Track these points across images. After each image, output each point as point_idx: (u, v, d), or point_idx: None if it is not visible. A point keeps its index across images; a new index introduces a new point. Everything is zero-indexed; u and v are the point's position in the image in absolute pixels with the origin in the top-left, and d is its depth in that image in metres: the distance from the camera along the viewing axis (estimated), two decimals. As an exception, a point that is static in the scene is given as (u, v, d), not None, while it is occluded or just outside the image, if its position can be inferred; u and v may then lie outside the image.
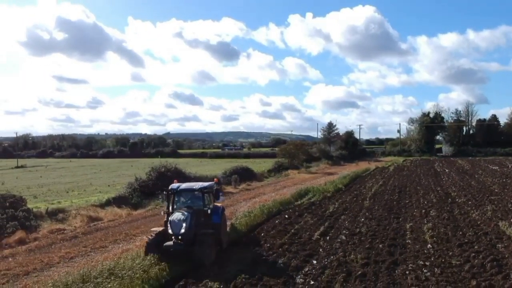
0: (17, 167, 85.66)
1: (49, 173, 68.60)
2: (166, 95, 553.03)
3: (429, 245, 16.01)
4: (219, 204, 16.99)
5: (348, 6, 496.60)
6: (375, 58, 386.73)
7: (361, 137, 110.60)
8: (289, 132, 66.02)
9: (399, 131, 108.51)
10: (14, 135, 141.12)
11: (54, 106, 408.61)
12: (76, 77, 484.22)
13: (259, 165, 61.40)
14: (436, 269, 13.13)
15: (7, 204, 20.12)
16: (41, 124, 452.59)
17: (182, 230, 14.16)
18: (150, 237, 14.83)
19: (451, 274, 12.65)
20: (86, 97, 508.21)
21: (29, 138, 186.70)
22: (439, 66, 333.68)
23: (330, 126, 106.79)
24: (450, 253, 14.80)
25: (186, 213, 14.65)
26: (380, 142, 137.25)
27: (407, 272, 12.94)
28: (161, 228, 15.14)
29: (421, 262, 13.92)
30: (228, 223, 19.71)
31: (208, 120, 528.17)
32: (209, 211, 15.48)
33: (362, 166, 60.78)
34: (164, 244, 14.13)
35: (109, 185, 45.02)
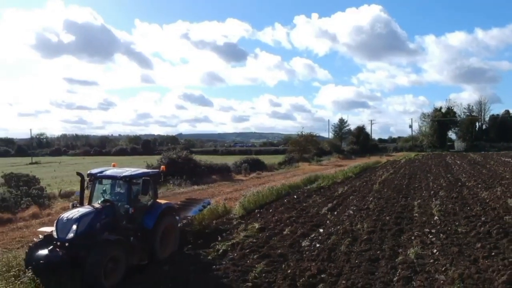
0: (31, 163, 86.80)
1: (63, 168, 69.50)
2: (176, 97, 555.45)
3: (436, 217, 16.12)
4: (162, 201, 12.70)
5: (353, 6, 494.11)
6: (383, 58, 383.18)
7: (373, 136, 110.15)
8: (300, 132, 65.74)
9: (410, 127, 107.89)
10: (28, 136, 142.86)
11: (66, 107, 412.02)
12: (86, 79, 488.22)
13: (270, 160, 61.61)
14: (441, 235, 13.25)
15: (21, 182, 20.62)
16: (55, 126, 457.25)
17: (70, 235, 9.88)
18: (35, 240, 10.56)
19: (456, 239, 12.75)
20: (97, 99, 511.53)
21: (43, 138, 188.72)
22: (448, 65, 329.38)
23: (342, 122, 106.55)
24: (457, 223, 14.89)
25: (85, 210, 10.54)
26: (393, 140, 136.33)
27: (413, 238, 13.11)
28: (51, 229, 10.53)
29: (427, 230, 14.07)
30: (236, 203, 19.97)
31: (219, 121, 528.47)
32: (131, 210, 11.03)
33: (373, 159, 60.57)
34: (36, 254, 9.80)
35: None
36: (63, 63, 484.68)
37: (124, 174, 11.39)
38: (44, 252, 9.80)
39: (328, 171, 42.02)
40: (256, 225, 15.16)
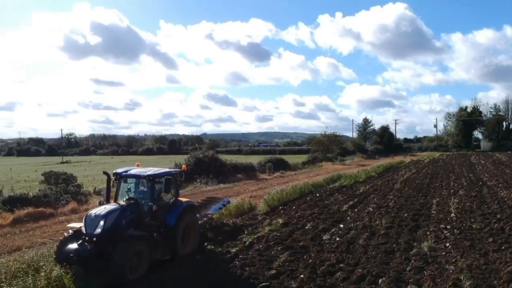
0: (62, 162, 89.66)
1: (93, 167, 71.74)
2: (200, 97, 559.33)
3: (452, 214, 16.81)
4: (184, 200, 13.20)
5: (378, 4, 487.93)
6: (409, 57, 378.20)
7: (399, 136, 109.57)
8: (324, 132, 66.50)
9: (435, 126, 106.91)
10: (57, 136, 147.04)
11: (93, 108, 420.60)
12: (112, 79, 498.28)
13: (294, 159, 62.43)
14: (455, 231, 14.01)
15: (60, 180, 22.14)
16: (82, 126, 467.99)
17: (98, 230, 10.52)
18: (65, 235, 11.14)
19: (469, 234, 13.49)
20: (123, 99, 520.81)
21: (71, 138, 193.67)
22: (475, 63, 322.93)
23: (366, 122, 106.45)
24: (472, 220, 15.56)
25: (112, 207, 11.17)
26: (419, 140, 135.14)
27: (428, 233, 13.88)
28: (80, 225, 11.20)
29: (443, 226, 14.82)
30: (261, 200, 20.96)
31: (243, 121, 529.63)
32: (154, 207, 11.67)
33: (397, 159, 60.75)
34: (66, 248, 10.56)
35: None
36: (90, 64, 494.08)
37: (147, 173, 11.92)
38: (73, 246, 10.48)
39: (351, 170, 42.60)
40: (280, 221, 16.14)
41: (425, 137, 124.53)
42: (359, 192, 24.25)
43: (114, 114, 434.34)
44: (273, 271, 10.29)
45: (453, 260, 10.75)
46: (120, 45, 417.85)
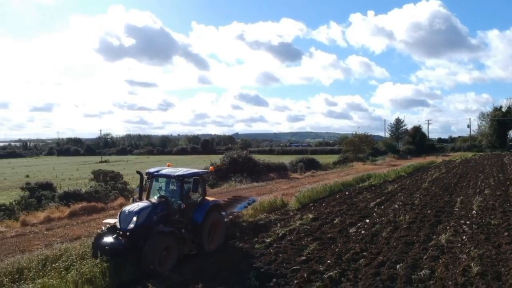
0: (101, 162, 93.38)
1: (131, 166, 74.68)
2: (232, 97, 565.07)
3: (474, 211, 17.78)
4: (210, 199, 14.07)
5: (411, 2, 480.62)
6: (443, 55, 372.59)
7: (433, 136, 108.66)
8: (355, 132, 67.40)
9: (469, 126, 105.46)
10: (93, 136, 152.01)
11: (127, 108, 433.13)
12: (146, 80, 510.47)
13: (325, 159, 63.43)
14: (474, 226, 15.05)
15: (108, 178, 24.21)
16: (118, 126, 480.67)
17: (131, 225, 11.43)
18: (100, 231, 12.13)
19: (487, 229, 14.53)
20: (157, 100, 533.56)
21: (108, 138, 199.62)
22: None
23: (398, 122, 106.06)
24: (492, 217, 16.54)
25: (144, 204, 12.05)
26: (453, 140, 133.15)
27: (448, 228, 14.97)
28: (115, 221, 12.20)
29: (462, 221, 15.85)
30: (292, 198, 22.36)
31: (274, 121, 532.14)
32: (183, 205, 12.49)
33: (428, 159, 60.91)
34: (102, 241, 11.44)
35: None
36: (125, 65, 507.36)
37: (177, 173, 12.84)
38: (109, 239, 11.34)
39: (381, 170, 43.36)
40: (310, 216, 17.54)
41: (459, 137, 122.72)
42: (387, 191, 25.32)
43: (148, 114, 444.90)
44: (303, 257, 11.71)
45: (467, 251, 11.90)
46: (154, 47, 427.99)
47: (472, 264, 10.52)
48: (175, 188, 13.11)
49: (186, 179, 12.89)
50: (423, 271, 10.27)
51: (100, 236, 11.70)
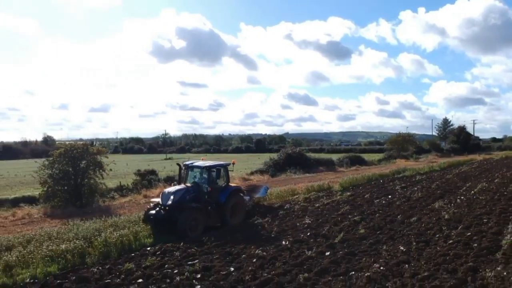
0: (166, 159, 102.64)
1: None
2: (281, 97, 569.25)
3: (472, 191, 23.60)
4: (233, 185, 18.28)
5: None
6: (500, 51, 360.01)
7: (488, 136, 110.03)
8: (400, 131, 72.31)
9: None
10: (148, 136, 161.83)
11: (180, 109, 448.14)
12: (197, 81, 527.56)
13: (371, 157, 68.47)
14: (464, 199, 21.05)
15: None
16: (171, 126, 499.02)
17: (169, 202, 15.17)
18: (148, 206, 16.41)
19: (473, 202, 20.46)
20: (207, 100, 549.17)
21: (167, 137, 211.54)
22: None
23: (445, 122, 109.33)
24: (483, 195, 22.39)
25: (180, 187, 16.02)
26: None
27: (445, 200, 21.07)
28: (159, 199, 16.19)
29: (459, 197, 21.85)
30: (337, 184, 28.95)
31: (324, 120, 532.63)
32: (208, 189, 16.30)
33: (469, 157, 64.38)
34: (149, 213, 15.49)
35: (245, 168, 56.51)
36: (176, 67, 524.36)
37: (206, 165, 16.92)
38: (153, 212, 15.46)
39: (419, 165, 48.56)
40: (348, 193, 24.23)
41: (509, 136, 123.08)
42: (415, 180, 31.25)
43: (199, 114, 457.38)
44: (339, 212, 18.48)
45: (448, 211, 18.10)
46: (204, 48, 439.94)
47: (446, 216, 16.82)
48: (205, 175, 16.95)
49: (212, 169, 16.98)
50: (413, 218, 16.74)
51: (148, 209, 15.95)
